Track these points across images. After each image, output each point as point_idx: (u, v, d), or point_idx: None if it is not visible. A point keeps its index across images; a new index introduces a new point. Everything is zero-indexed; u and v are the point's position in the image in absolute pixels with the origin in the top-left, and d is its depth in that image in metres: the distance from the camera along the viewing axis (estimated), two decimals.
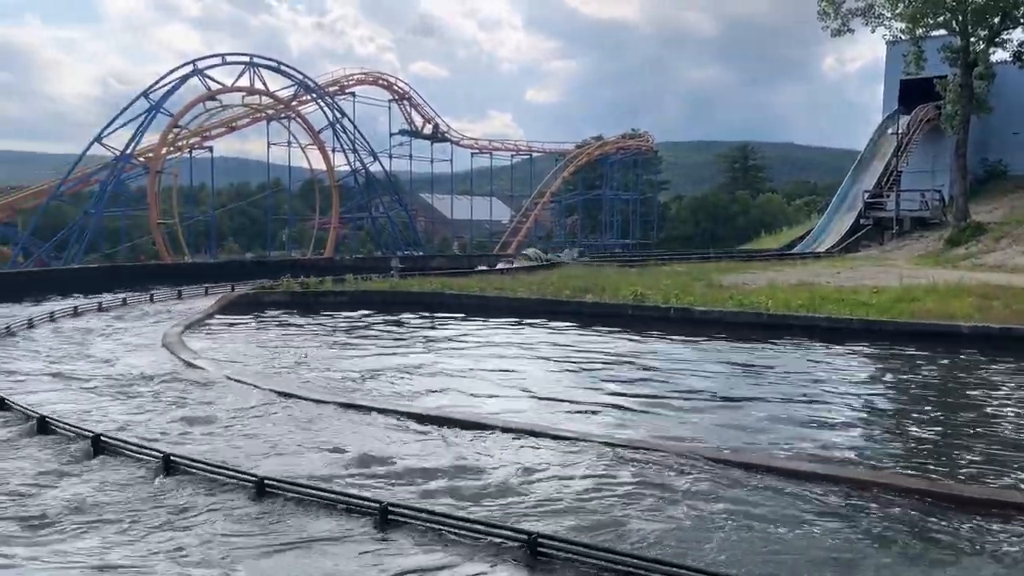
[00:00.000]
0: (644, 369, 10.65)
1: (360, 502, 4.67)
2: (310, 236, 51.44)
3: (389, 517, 4.44)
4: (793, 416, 7.73)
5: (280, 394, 7.95)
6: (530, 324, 14.98)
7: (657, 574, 3.66)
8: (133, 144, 39.80)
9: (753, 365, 10.72)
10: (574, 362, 11.04)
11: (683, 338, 13.14)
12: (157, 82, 40.09)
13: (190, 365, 9.67)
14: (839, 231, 40.18)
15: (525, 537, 4.02)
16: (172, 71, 40.66)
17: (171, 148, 41.60)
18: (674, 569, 3.66)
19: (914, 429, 7.55)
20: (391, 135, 54.15)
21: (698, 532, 4.48)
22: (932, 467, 6.11)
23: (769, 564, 4.09)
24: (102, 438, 6.06)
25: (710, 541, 4.34)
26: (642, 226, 69.56)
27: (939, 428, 7.54)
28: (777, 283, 19.07)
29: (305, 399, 7.76)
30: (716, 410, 8.09)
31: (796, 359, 11.40)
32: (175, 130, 40.39)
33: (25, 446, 6.29)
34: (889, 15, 33.01)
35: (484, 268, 27.99)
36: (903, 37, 34.42)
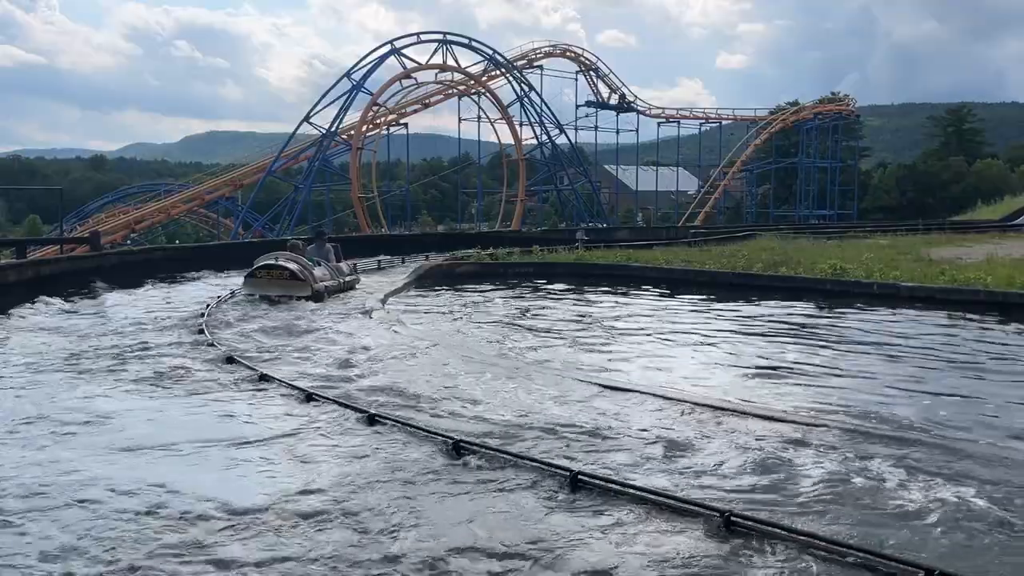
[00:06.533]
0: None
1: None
2: (498, 209, 52.67)
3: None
4: None
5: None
6: (724, 299, 14.59)
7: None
8: (337, 122, 42.36)
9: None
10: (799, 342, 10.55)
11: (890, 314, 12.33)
12: (358, 63, 42.29)
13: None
14: None
15: (717, 513, 4.00)
16: (371, 52, 42.71)
17: (370, 125, 43.86)
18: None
19: None
20: (577, 107, 54.21)
21: None
22: None
23: None
24: (313, 395, 6.71)
25: None
26: (841, 196, 65.33)
27: None
28: (997, 258, 17.38)
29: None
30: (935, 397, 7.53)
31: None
32: (374, 108, 42.53)
33: (252, 390, 7.24)
34: None
35: None
36: None
